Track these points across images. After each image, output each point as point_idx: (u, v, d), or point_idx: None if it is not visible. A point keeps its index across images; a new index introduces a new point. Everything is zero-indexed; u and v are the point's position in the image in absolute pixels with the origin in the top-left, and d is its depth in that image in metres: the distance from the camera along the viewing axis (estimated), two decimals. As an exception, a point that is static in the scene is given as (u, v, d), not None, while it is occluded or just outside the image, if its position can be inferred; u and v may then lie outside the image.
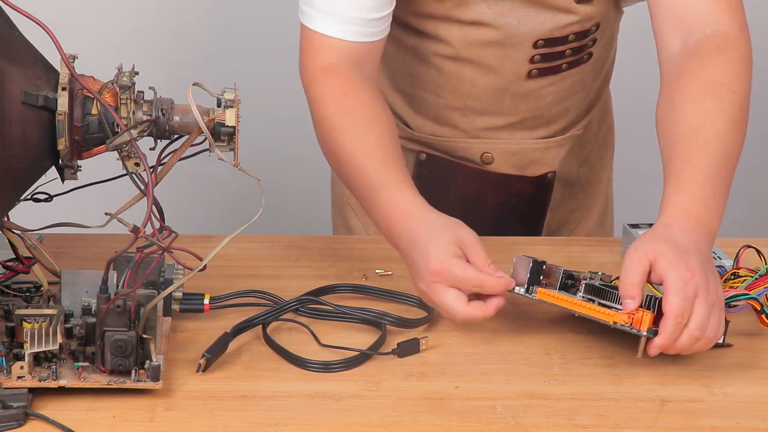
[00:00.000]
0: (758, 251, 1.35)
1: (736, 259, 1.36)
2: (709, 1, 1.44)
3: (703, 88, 1.39)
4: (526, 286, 1.32)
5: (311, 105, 1.49)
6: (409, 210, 1.37)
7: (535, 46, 1.59)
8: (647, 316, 1.22)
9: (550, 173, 1.71)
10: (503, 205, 1.72)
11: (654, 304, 1.23)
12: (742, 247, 1.36)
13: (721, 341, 1.28)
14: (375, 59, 1.53)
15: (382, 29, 1.51)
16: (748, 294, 1.31)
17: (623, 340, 1.32)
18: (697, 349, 1.23)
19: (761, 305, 1.31)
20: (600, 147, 1.79)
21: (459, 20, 1.58)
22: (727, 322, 1.28)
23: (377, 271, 1.48)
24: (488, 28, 1.59)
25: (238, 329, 1.30)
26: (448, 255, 1.30)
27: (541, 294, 1.31)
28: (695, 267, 1.22)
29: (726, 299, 1.29)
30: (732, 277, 1.35)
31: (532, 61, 1.61)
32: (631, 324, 1.23)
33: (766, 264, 1.34)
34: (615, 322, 1.24)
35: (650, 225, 1.49)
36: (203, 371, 1.23)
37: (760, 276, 1.33)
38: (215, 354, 1.25)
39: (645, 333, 1.22)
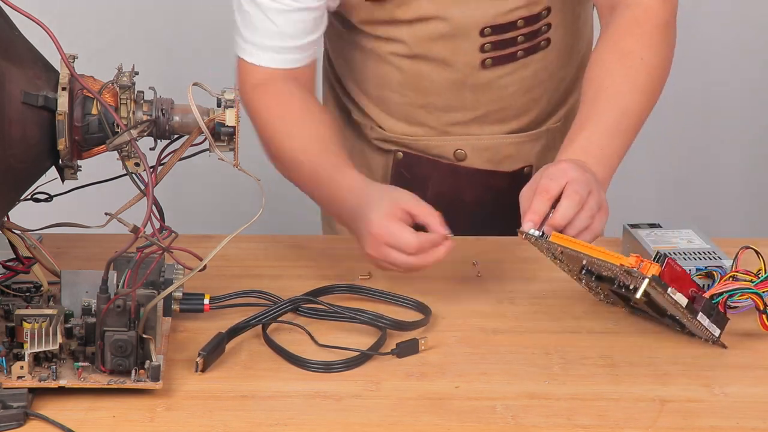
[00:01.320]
0: (757, 252, 1.35)
1: (735, 259, 1.36)
2: None
3: (614, 57, 1.52)
4: (540, 231, 1.33)
5: (251, 120, 1.56)
6: (350, 185, 1.45)
7: (483, 34, 1.61)
8: (654, 266, 1.25)
9: (527, 167, 1.72)
10: (481, 201, 1.73)
11: (662, 260, 1.27)
12: (741, 248, 1.37)
13: (717, 337, 1.28)
14: (308, 76, 1.58)
15: (307, 55, 1.57)
16: (749, 288, 1.31)
17: (623, 340, 1.32)
18: (585, 235, 1.33)
19: (764, 303, 1.31)
20: None
21: (404, 20, 1.61)
22: (726, 320, 1.28)
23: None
24: (435, 22, 1.60)
25: (234, 330, 1.30)
26: (388, 218, 1.37)
27: (555, 237, 1.31)
28: (589, 177, 1.36)
29: (728, 292, 1.31)
30: (731, 280, 1.35)
31: (482, 50, 1.62)
32: (638, 268, 1.25)
33: (765, 265, 1.34)
34: (622, 265, 1.26)
35: (650, 225, 1.50)
36: (202, 371, 1.23)
37: (762, 281, 1.33)
38: (211, 353, 1.25)
39: (649, 277, 1.25)
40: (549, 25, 1.64)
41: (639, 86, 1.50)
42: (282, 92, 1.55)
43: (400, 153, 1.72)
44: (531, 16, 1.62)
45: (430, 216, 1.39)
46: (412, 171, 1.72)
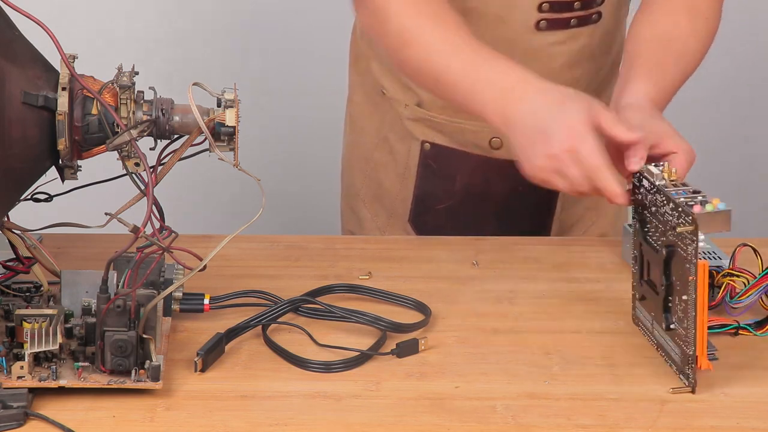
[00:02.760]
0: (755, 250, 1.35)
1: (732, 257, 1.36)
2: None
3: (681, 7, 1.54)
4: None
5: (379, 26, 1.49)
6: (525, 77, 1.39)
7: None
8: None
9: None
10: (510, 194, 1.71)
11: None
12: (738, 246, 1.37)
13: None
14: None
15: None
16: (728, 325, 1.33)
17: (623, 340, 1.32)
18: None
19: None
20: None
21: None
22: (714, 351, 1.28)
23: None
24: None
25: (232, 331, 1.30)
26: (584, 124, 1.31)
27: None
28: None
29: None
30: (728, 275, 1.35)
31: (540, 9, 1.60)
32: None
33: (762, 263, 1.35)
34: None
35: None
36: (201, 370, 1.23)
37: (760, 278, 1.34)
38: (210, 353, 1.25)
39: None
40: None
41: (701, 45, 1.54)
42: None
43: (428, 144, 1.70)
44: None
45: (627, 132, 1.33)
46: (440, 163, 1.70)
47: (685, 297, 1.22)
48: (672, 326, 1.25)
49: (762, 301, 1.36)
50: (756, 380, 1.25)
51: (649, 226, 1.28)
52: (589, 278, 1.49)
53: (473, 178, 1.70)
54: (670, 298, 1.25)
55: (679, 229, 1.21)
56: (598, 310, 1.40)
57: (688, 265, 1.21)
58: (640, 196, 1.30)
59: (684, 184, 1.28)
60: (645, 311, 1.31)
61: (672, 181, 1.28)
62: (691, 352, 1.21)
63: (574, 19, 1.63)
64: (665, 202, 1.25)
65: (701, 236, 1.45)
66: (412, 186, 1.74)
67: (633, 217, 1.33)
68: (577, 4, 1.62)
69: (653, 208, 1.27)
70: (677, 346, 1.24)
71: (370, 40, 1.72)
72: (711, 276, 1.36)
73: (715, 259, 1.42)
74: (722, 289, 1.34)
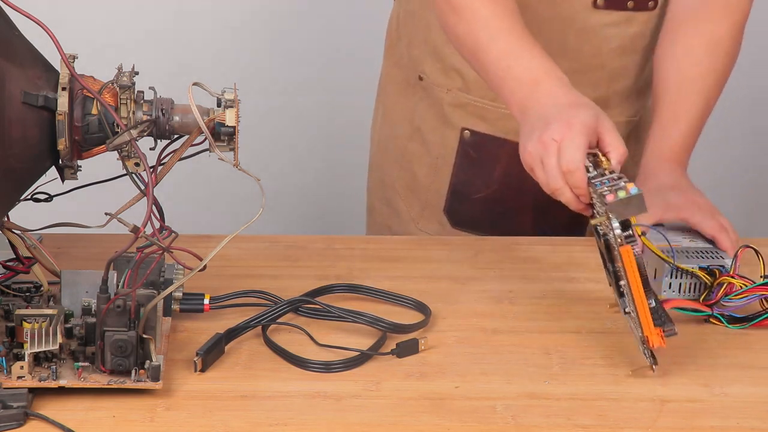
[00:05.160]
0: (756, 251, 1.35)
1: (735, 258, 1.37)
2: None
3: (703, 45, 1.58)
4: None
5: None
6: (558, 77, 1.42)
7: None
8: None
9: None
10: None
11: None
12: (740, 247, 1.37)
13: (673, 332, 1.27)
14: None
15: None
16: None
17: (623, 340, 1.32)
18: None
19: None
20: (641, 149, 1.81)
21: None
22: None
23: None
24: None
25: (232, 332, 1.30)
26: (584, 125, 1.33)
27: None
28: (701, 198, 1.52)
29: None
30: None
31: None
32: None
33: (764, 266, 1.35)
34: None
35: (654, 225, 1.50)
36: (201, 370, 1.23)
37: (758, 286, 1.35)
38: (209, 353, 1.25)
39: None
40: None
41: (719, 82, 1.56)
42: None
43: (468, 132, 1.70)
44: None
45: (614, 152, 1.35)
46: (479, 151, 1.70)
47: (622, 282, 1.25)
48: (627, 310, 1.27)
49: (763, 302, 1.36)
50: (756, 380, 1.25)
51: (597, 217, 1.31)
52: (589, 278, 1.49)
53: (512, 167, 1.69)
54: (620, 284, 1.26)
55: (592, 221, 1.26)
56: (598, 310, 1.40)
57: (615, 252, 1.24)
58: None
59: (612, 172, 1.30)
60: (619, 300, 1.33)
61: (601, 171, 1.30)
62: (640, 334, 1.23)
63: (631, 2, 1.63)
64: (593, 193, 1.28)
65: (701, 236, 1.46)
66: (448, 175, 1.74)
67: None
68: None
69: (594, 199, 1.30)
70: (635, 328, 1.26)
71: (419, 16, 1.72)
72: (713, 274, 1.37)
73: (717, 258, 1.42)
74: (722, 288, 1.35)
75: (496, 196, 1.71)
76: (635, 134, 1.77)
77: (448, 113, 1.71)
